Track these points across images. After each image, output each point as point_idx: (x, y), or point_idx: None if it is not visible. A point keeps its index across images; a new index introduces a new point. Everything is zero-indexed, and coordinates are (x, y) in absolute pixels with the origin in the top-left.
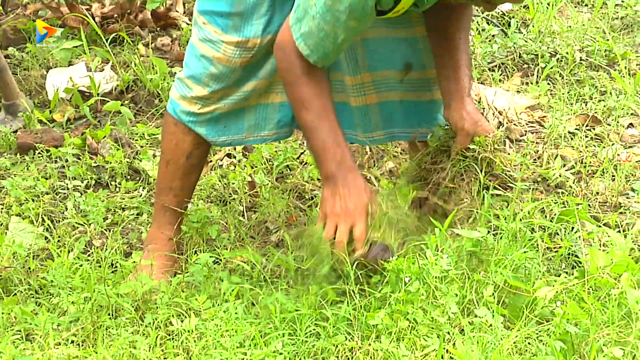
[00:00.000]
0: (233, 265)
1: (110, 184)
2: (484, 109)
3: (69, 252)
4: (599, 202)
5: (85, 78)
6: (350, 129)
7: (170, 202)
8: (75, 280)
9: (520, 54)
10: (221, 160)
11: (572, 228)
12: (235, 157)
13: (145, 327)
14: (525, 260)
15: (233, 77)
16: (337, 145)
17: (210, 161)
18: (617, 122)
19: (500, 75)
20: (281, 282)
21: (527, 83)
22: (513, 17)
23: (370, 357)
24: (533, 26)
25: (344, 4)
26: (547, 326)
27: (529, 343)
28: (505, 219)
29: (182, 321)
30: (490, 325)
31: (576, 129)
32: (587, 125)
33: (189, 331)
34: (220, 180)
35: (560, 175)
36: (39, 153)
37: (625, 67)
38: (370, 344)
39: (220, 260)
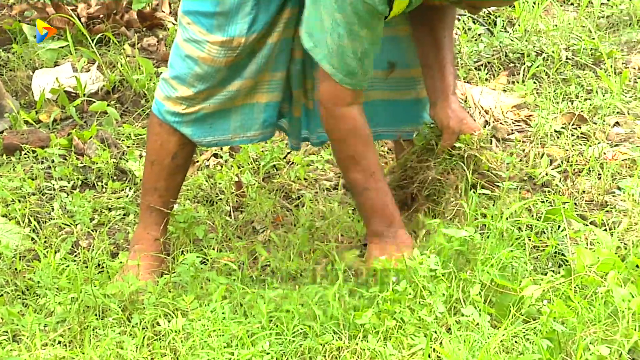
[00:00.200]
0: (220, 265)
1: (97, 185)
2: (470, 108)
3: (55, 252)
4: (585, 201)
5: (71, 78)
6: None
7: (155, 202)
8: (62, 281)
9: (506, 52)
10: (208, 160)
11: (559, 227)
12: (222, 157)
13: (133, 327)
14: (512, 259)
15: (218, 76)
16: (386, 206)
17: (197, 161)
18: (603, 120)
19: (486, 74)
20: (269, 281)
21: (513, 82)
22: (499, 16)
23: (358, 357)
24: (519, 25)
25: (350, 14)
26: (534, 325)
27: (515, 342)
28: (492, 217)
29: (169, 321)
30: (477, 324)
31: (562, 127)
32: (573, 124)
33: (176, 331)
34: (207, 180)
35: (546, 174)
36: (25, 154)
37: (611, 66)
38: (357, 344)
39: (207, 260)
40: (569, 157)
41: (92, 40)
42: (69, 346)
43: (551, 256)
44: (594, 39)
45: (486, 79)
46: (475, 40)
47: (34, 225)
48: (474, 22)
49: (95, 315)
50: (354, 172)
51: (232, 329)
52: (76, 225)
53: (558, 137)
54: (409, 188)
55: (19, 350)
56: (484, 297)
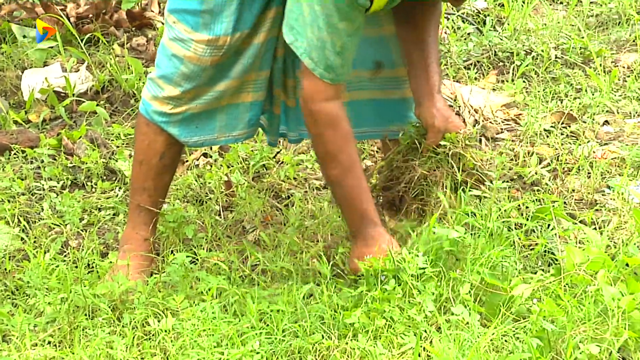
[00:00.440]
0: (210, 265)
1: (86, 185)
2: (459, 107)
3: (45, 252)
4: (575, 200)
5: (60, 78)
6: None
7: (144, 202)
8: (51, 281)
9: (495, 52)
10: (197, 159)
11: (548, 225)
12: (211, 157)
13: (122, 327)
14: (502, 259)
15: (204, 76)
16: (360, 201)
17: (187, 161)
18: (593, 119)
19: (475, 73)
20: (259, 280)
21: (502, 81)
22: (488, 15)
23: (348, 356)
24: (508, 24)
25: (330, 6)
26: (524, 323)
27: (505, 340)
28: (481, 217)
29: (159, 321)
30: (467, 323)
31: (552, 126)
32: (562, 123)
33: (166, 331)
34: (196, 180)
35: (536, 173)
36: (15, 154)
37: (601, 65)
38: (347, 343)
39: (197, 260)
40: (558, 156)
41: (82, 40)
42: (59, 346)
43: (541, 255)
44: (583, 37)
45: (476, 78)
46: (465, 39)
47: (24, 225)
48: (463, 21)
49: (85, 315)
50: (331, 167)
51: (222, 329)
52: (66, 225)
53: (547, 136)
54: (396, 188)
55: (8, 350)
56: (473, 296)
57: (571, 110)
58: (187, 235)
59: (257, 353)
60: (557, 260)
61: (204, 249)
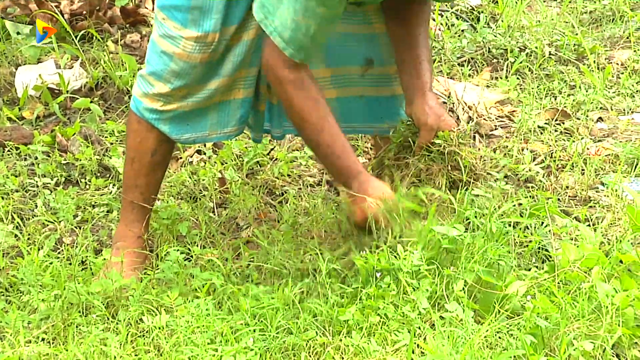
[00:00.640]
0: (204, 262)
1: (80, 181)
2: (453, 104)
3: (39, 249)
4: (569, 196)
5: (54, 75)
6: None
7: (136, 199)
8: (45, 277)
9: (489, 48)
10: (191, 156)
11: (542, 222)
12: (205, 154)
13: (116, 324)
14: (498, 256)
15: (194, 73)
16: (339, 156)
17: (180, 157)
18: (587, 116)
19: (469, 70)
20: (252, 277)
21: (496, 78)
22: (482, 12)
23: (341, 353)
24: (502, 21)
25: None
26: (518, 320)
27: (499, 337)
28: (477, 216)
29: (153, 318)
30: (461, 319)
31: (546, 123)
32: (556, 120)
33: (159, 328)
34: (190, 177)
35: (530, 170)
36: (9, 151)
37: (594, 61)
38: (341, 340)
39: (191, 256)
40: (552, 153)
41: (75, 37)
42: (53, 343)
43: (535, 252)
44: (577, 34)
45: (469, 75)
46: (459, 36)
47: (17, 222)
48: (457, 18)
49: (79, 312)
50: (305, 129)
51: (216, 326)
52: (59, 222)
53: (541, 133)
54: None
55: (2, 347)
56: (467, 293)
57: (565, 107)
58: (181, 232)
59: (251, 350)
60: (551, 257)
61: (197, 245)
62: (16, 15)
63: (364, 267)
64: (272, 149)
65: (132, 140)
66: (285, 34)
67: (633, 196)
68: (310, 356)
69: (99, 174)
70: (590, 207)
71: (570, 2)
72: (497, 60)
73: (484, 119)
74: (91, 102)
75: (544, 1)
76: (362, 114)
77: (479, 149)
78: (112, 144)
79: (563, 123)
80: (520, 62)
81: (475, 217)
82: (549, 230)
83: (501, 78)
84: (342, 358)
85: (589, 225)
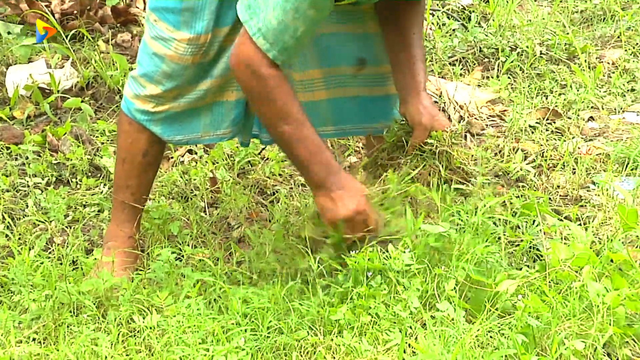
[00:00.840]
0: (195, 261)
1: (71, 181)
2: (444, 103)
3: (29, 249)
4: (560, 196)
5: (45, 75)
6: None
7: (127, 199)
8: (36, 277)
9: (480, 48)
10: (182, 156)
11: (533, 221)
12: (196, 153)
13: (107, 324)
14: (488, 255)
15: (186, 74)
16: (320, 151)
17: (172, 157)
18: (578, 115)
19: (461, 69)
20: (244, 277)
21: (487, 77)
22: (473, 11)
23: (333, 352)
24: (493, 20)
25: None
26: (509, 319)
27: (490, 337)
28: (467, 213)
29: (144, 318)
30: (452, 319)
31: (537, 122)
32: (547, 119)
33: (151, 328)
34: (181, 177)
35: (521, 169)
36: None
37: (585, 61)
38: (332, 339)
39: (182, 256)
40: (543, 152)
41: (66, 37)
42: (44, 343)
43: (526, 251)
44: (568, 33)
45: (461, 74)
46: (450, 35)
47: (8, 222)
48: (448, 18)
49: (70, 312)
50: (284, 124)
51: (207, 325)
52: (50, 221)
53: (532, 132)
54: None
55: None
56: (459, 293)
57: (556, 106)
58: (172, 232)
59: (242, 349)
60: (542, 256)
61: (189, 245)
62: (7, 15)
63: (355, 266)
64: (263, 149)
65: (123, 141)
66: (269, 35)
67: (624, 195)
68: (301, 356)
69: (90, 174)
70: (581, 206)
71: (561, 1)
72: (488, 59)
73: (475, 118)
74: (82, 101)
75: (535, 0)
76: (355, 115)
77: (470, 148)
78: (103, 143)
79: (554, 122)
80: (512, 62)
81: (462, 213)
82: (540, 230)
83: (492, 77)
84: (334, 357)
85: (580, 224)
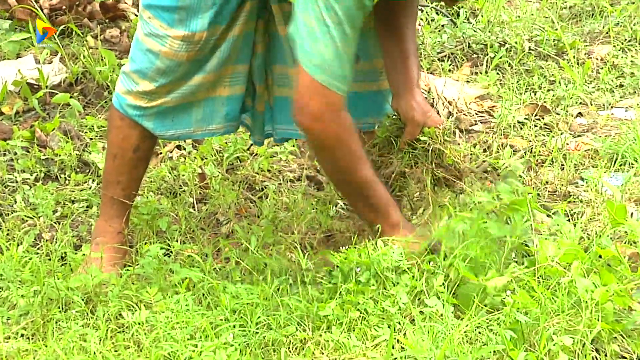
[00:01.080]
0: (184, 257)
1: (60, 177)
2: (433, 99)
3: (18, 245)
4: (549, 191)
5: (33, 70)
6: (291, 124)
7: (117, 195)
8: (24, 273)
9: (469, 44)
10: (171, 151)
11: (522, 217)
12: (185, 149)
13: (96, 320)
14: (477, 251)
15: (180, 71)
16: (388, 194)
17: (160, 153)
18: (566, 111)
19: (449, 65)
20: (233, 273)
21: (476, 73)
22: (462, 7)
23: (322, 348)
24: (482, 16)
25: (340, 14)
26: (498, 315)
27: (479, 332)
28: (457, 209)
29: (132, 314)
30: (441, 315)
31: (525, 118)
32: (536, 115)
33: (139, 323)
34: (170, 172)
35: (509, 165)
36: None
37: (574, 57)
38: (321, 335)
39: (171, 252)
40: (532, 148)
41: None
42: (32, 339)
43: (514, 247)
44: (556, 29)
45: (449, 70)
46: (439, 31)
47: None
48: (437, 13)
49: (58, 308)
50: (364, 169)
51: (195, 321)
52: (39, 217)
53: (521, 128)
54: None
55: None
56: (447, 288)
57: (545, 102)
58: (160, 228)
59: (231, 345)
60: (530, 252)
61: (177, 241)
62: None
63: (343, 262)
64: (251, 145)
65: (114, 137)
66: (329, 70)
67: (612, 191)
68: (290, 351)
69: (78, 170)
70: (570, 202)
71: None
72: (477, 55)
73: (464, 114)
74: (71, 97)
75: None
76: (349, 110)
77: (459, 144)
78: (91, 139)
79: (543, 118)
80: (500, 58)
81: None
82: (529, 226)
83: (481, 73)
84: (322, 353)
85: (568, 220)
